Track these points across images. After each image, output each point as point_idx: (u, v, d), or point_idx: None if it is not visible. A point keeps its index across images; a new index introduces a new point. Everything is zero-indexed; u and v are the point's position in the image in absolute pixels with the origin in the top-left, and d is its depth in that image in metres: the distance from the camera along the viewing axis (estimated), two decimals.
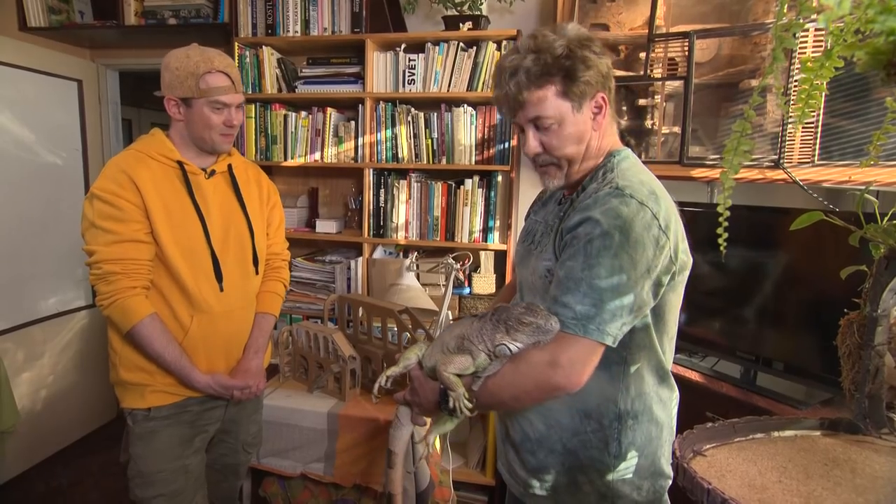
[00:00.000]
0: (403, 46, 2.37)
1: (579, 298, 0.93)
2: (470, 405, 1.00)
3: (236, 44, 2.47)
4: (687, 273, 1.06)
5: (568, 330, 0.93)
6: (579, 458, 1.07)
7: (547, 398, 1.01)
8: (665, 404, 1.11)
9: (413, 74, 2.35)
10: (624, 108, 2.24)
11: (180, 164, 1.42)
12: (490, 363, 1.00)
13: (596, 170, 1.06)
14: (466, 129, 2.33)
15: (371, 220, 2.48)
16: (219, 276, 1.44)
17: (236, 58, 2.47)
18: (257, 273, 1.56)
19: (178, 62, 1.36)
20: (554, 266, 1.02)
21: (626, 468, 1.07)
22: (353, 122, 2.47)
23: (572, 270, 0.94)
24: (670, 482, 1.11)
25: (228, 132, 1.44)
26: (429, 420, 1.22)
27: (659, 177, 2.19)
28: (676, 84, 2.02)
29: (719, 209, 0.71)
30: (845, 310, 1.08)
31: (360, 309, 2.01)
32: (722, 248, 0.72)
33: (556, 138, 1.02)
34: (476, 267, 2.52)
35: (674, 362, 2.09)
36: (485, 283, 2.45)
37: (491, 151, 2.33)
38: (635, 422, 1.06)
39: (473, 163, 2.35)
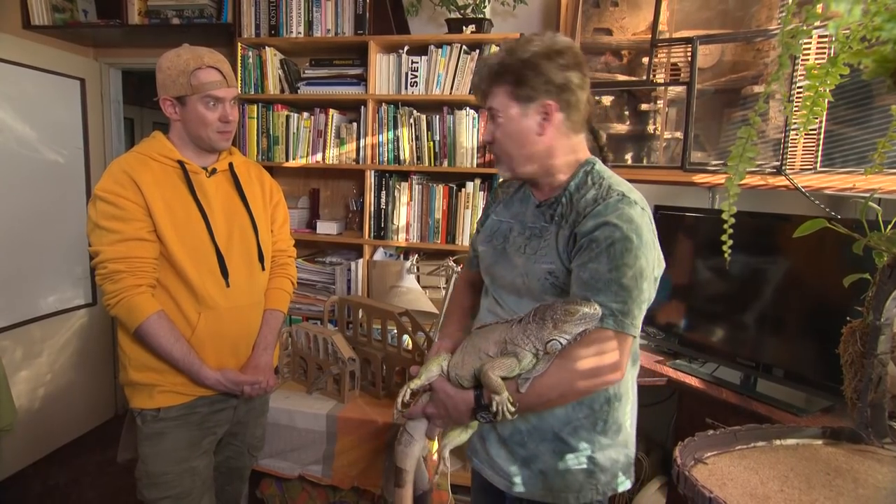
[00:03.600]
0: (406, 49, 2.37)
1: (611, 297, 1.00)
2: (513, 408, 1.02)
3: (239, 44, 2.47)
4: (662, 270, 1.12)
5: (607, 327, 1.00)
6: (570, 443, 1.13)
7: (593, 391, 1.08)
8: (635, 383, 1.21)
9: (415, 77, 2.35)
10: (626, 112, 2.24)
11: (181, 163, 1.42)
12: (535, 364, 1.03)
13: (575, 176, 1.12)
14: (468, 131, 2.33)
15: (372, 222, 2.48)
16: (224, 273, 1.44)
17: (239, 58, 2.47)
18: (263, 269, 1.56)
19: (168, 62, 1.37)
20: (558, 268, 1.07)
21: (609, 443, 1.14)
22: (355, 124, 2.47)
23: (598, 272, 1.00)
24: (633, 452, 1.22)
25: (225, 129, 1.44)
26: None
27: (660, 182, 2.20)
28: (679, 89, 2.02)
29: (724, 216, 0.71)
30: (848, 318, 1.08)
31: (360, 311, 2.00)
32: (726, 254, 0.72)
33: (501, 132, 1.11)
34: None
35: (674, 367, 2.09)
36: None
37: (491, 154, 2.32)
38: (619, 403, 1.15)
39: (475, 166, 2.35)
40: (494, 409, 1.02)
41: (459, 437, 1.17)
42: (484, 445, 1.22)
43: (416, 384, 1.16)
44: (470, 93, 2.30)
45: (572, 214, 1.08)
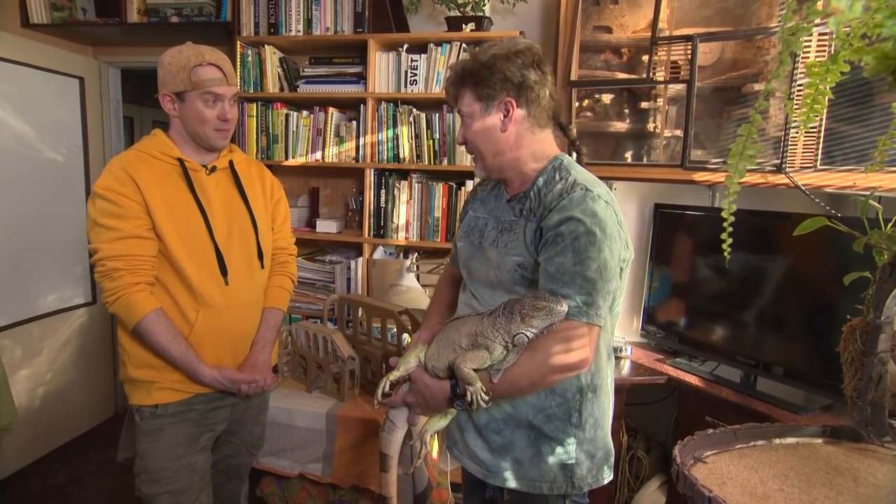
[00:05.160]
0: (406, 47, 2.36)
1: (576, 290, 1.04)
2: (487, 397, 1.07)
3: (238, 42, 2.46)
4: (630, 260, 1.16)
5: (573, 318, 1.05)
6: (544, 431, 1.16)
7: (561, 379, 1.12)
8: (612, 379, 1.24)
9: (415, 75, 2.34)
10: (626, 110, 2.24)
11: (181, 161, 1.42)
12: (506, 355, 1.07)
13: (544, 171, 1.17)
14: None
15: (371, 221, 2.47)
16: (223, 271, 1.44)
17: (238, 56, 2.47)
18: (263, 267, 1.56)
19: (170, 58, 1.38)
20: (526, 261, 1.12)
21: (585, 438, 1.17)
22: (354, 122, 2.47)
23: (563, 266, 1.05)
24: (611, 446, 1.24)
25: (223, 127, 1.44)
26: (421, 419, 1.26)
27: (660, 180, 2.19)
28: (679, 87, 2.02)
29: (724, 214, 0.70)
30: (848, 316, 1.08)
31: (360, 309, 2.00)
32: (725, 253, 0.71)
33: (470, 132, 1.18)
34: None
35: (674, 366, 2.09)
36: None
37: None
38: (594, 395, 1.17)
39: (475, 164, 2.34)
40: (469, 398, 1.07)
41: (439, 422, 1.21)
42: (462, 436, 1.25)
43: (394, 375, 1.22)
44: None
45: (539, 208, 1.13)
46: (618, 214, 1.10)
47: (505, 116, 1.14)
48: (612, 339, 1.21)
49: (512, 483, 1.18)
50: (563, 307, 1.02)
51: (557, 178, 1.14)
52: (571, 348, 1.05)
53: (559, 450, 1.16)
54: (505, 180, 1.24)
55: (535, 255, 1.11)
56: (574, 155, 1.29)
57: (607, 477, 1.21)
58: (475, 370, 1.08)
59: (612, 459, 1.23)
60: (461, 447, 1.27)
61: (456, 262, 1.37)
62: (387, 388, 1.23)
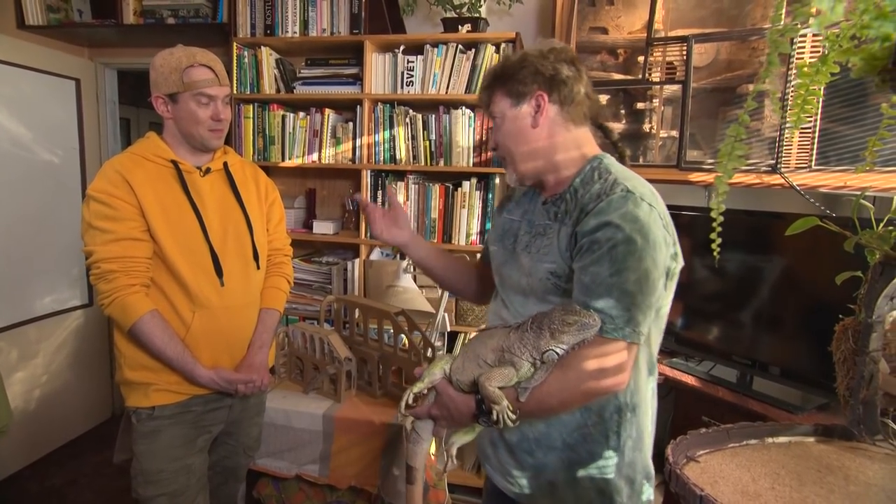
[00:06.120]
0: (402, 48, 2.37)
1: (613, 304, 0.95)
2: (514, 416, 1.00)
3: (235, 44, 2.46)
4: (679, 268, 1.07)
5: (608, 335, 0.95)
6: (579, 452, 1.08)
7: (594, 400, 1.04)
8: (654, 396, 1.13)
9: (411, 76, 2.35)
10: (622, 111, 2.25)
11: (175, 163, 1.42)
12: (534, 372, 1.00)
13: (581, 171, 1.08)
14: (464, 131, 2.33)
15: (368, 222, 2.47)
16: (219, 272, 1.44)
17: (234, 58, 2.47)
18: (258, 268, 1.56)
19: (162, 60, 1.39)
20: (560, 268, 1.04)
21: (623, 462, 1.08)
22: (350, 124, 2.47)
23: (599, 276, 0.96)
24: (652, 468, 1.14)
25: (217, 127, 1.44)
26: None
27: (656, 180, 2.19)
28: (674, 88, 2.03)
29: (713, 214, 0.71)
30: (840, 315, 1.08)
31: (357, 310, 2.00)
32: (715, 253, 0.72)
33: (500, 134, 1.12)
34: None
35: (670, 366, 2.09)
36: None
37: (489, 154, 2.33)
38: (633, 415, 1.07)
39: (471, 165, 2.35)
40: (495, 417, 1.00)
41: (465, 436, 1.16)
42: (495, 452, 1.20)
43: (418, 388, 1.16)
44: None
45: (575, 211, 1.04)
46: (663, 218, 1.00)
47: (536, 112, 1.07)
48: (654, 353, 1.11)
49: None
50: (596, 322, 0.94)
51: (596, 177, 1.05)
52: (605, 368, 0.97)
53: (597, 477, 1.08)
54: (540, 183, 1.16)
55: (569, 262, 1.02)
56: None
57: (650, 494, 1.12)
58: (500, 388, 1.01)
59: (653, 481, 1.13)
60: (493, 463, 1.20)
61: (483, 259, 1.33)
62: (410, 400, 1.17)
